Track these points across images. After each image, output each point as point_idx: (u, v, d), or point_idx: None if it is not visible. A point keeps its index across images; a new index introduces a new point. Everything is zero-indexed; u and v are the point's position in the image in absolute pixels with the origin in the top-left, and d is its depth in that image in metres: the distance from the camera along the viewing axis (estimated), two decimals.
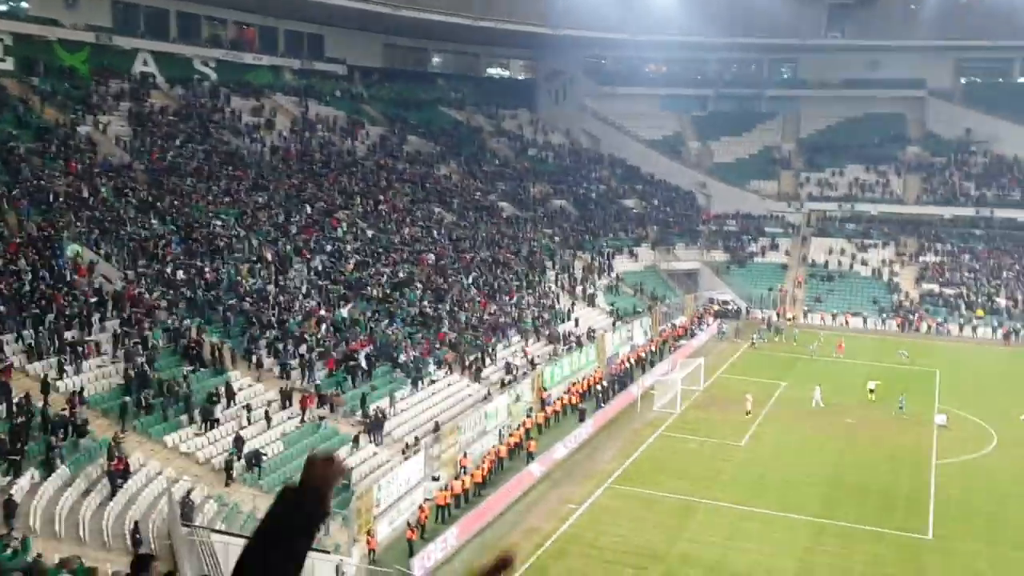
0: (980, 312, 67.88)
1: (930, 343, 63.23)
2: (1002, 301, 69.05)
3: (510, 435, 37.54)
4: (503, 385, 41.67)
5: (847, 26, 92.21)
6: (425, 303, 45.79)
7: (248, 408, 32.33)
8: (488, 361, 43.65)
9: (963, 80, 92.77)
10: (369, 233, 51.81)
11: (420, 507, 30.12)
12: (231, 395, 32.49)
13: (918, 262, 75.83)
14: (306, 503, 2.55)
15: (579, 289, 59.82)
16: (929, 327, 67.24)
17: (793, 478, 35.42)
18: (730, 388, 49.11)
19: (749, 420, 42.65)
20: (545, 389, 43.48)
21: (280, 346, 36.19)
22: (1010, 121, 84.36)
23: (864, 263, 75.97)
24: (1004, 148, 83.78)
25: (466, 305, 47.83)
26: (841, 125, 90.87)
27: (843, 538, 29.84)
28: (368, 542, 27.40)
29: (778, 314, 69.62)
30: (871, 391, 46.72)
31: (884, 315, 69.42)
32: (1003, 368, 56.12)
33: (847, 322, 68.52)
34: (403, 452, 33.11)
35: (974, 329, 66.58)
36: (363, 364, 37.39)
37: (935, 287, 72.01)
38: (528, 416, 40.12)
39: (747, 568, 27.49)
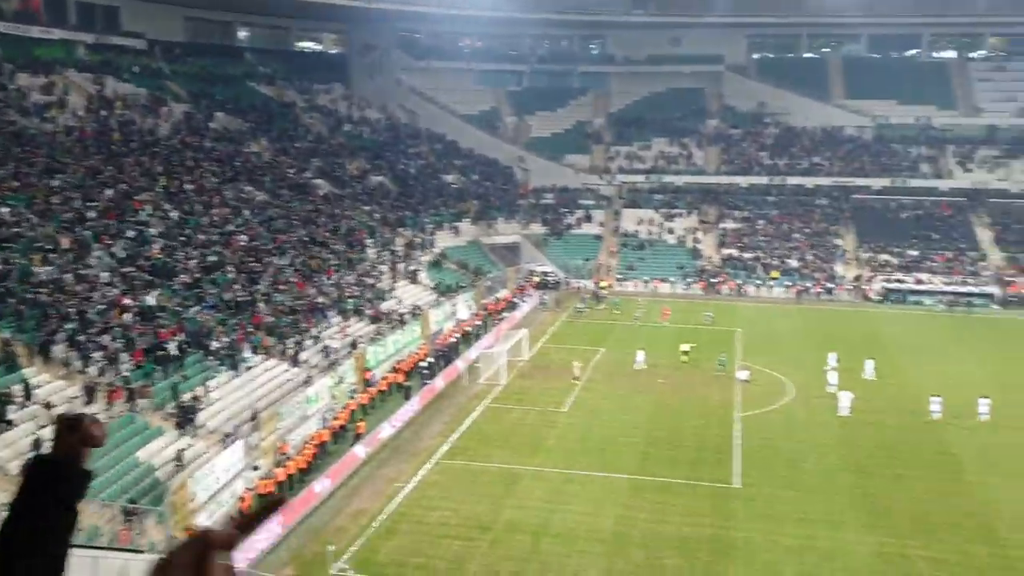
0: (775, 273, 72.97)
1: (732, 304, 67.38)
2: (794, 262, 74.54)
3: (334, 418, 36.96)
4: (326, 368, 40.90)
5: (650, 4, 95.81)
6: (238, 287, 44.11)
7: (48, 406, 30.10)
8: (307, 344, 42.66)
9: (756, 55, 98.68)
10: (175, 215, 49.24)
11: (241, 498, 29.20)
12: (28, 394, 30.16)
13: (719, 229, 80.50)
14: (61, 474, 2.24)
15: (401, 266, 59.46)
16: (730, 289, 71.68)
17: (612, 439, 36.88)
18: (552, 357, 50.46)
19: (570, 387, 43.98)
20: (368, 369, 43.05)
21: (81, 338, 33.88)
22: (798, 94, 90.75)
23: (671, 231, 79.88)
24: (793, 120, 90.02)
25: (282, 287, 46.46)
26: (647, 100, 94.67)
27: (659, 492, 31.40)
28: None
29: (595, 283, 72.03)
30: (685, 353, 49.22)
31: (689, 280, 73.34)
32: (796, 324, 60.64)
33: (657, 288, 71.90)
34: (221, 442, 31.89)
35: (770, 289, 71.58)
36: (173, 353, 35.64)
37: (734, 252, 76.78)
38: (352, 398, 39.63)
39: (570, 528, 28.43)
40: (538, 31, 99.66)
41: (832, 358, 46.96)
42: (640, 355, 47.89)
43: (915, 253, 74.59)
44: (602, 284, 71.09)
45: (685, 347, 49.58)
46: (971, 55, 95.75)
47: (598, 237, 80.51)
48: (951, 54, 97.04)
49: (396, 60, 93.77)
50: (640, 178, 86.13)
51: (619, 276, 74.38)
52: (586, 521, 28.95)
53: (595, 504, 30.31)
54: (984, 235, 77.10)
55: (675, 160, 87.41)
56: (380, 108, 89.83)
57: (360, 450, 34.39)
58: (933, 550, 27.04)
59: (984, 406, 39.17)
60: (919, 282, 70.67)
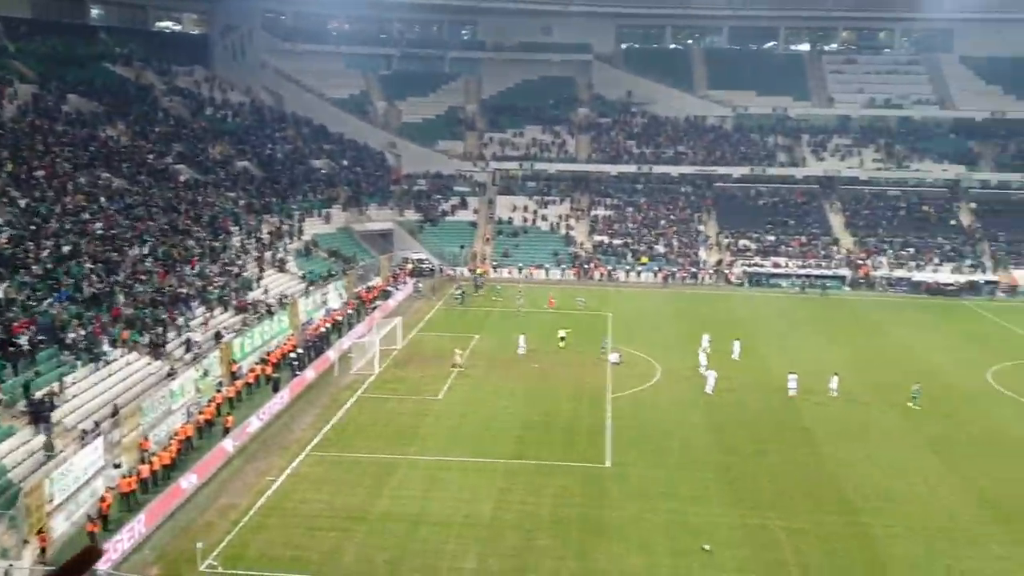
0: (644, 259, 74.98)
1: (603, 289, 68.84)
2: (661, 248, 76.77)
3: (200, 412, 35.70)
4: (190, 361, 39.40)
5: None
6: (95, 277, 41.91)
7: None
8: (170, 336, 40.99)
9: (623, 45, 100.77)
10: (23, 203, 46.30)
11: (102, 497, 27.85)
12: None
13: (590, 216, 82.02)
14: None
15: (268, 255, 57.88)
16: (602, 275, 73.21)
17: (488, 425, 37.10)
18: (427, 345, 50.29)
19: (446, 375, 43.93)
20: (235, 361, 41.77)
21: None
22: (664, 84, 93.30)
23: (544, 218, 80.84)
24: (659, 109, 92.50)
25: (142, 277, 44.43)
26: (519, 87, 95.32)
27: (534, 475, 31.79)
28: (40, 540, 24.87)
29: (470, 270, 72.16)
30: (561, 339, 49.95)
31: (563, 266, 74.47)
32: (663, 307, 62.53)
33: (531, 274, 72.68)
34: (80, 440, 30.27)
35: (639, 274, 73.51)
36: (24, 347, 33.56)
37: (605, 238, 78.42)
38: (218, 391, 38.38)
39: (446, 515, 28.44)
40: (408, 15, 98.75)
41: (706, 339, 48.79)
42: (522, 340, 48.50)
43: (772, 238, 78.08)
44: (478, 271, 71.29)
45: (562, 332, 50.37)
46: (824, 48, 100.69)
47: (473, 224, 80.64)
48: (806, 47, 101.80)
49: (261, 42, 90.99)
50: (514, 165, 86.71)
51: (494, 263, 74.76)
52: (462, 507, 29.03)
53: (471, 490, 30.42)
54: (836, 220, 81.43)
55: (548, 148, 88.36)
56: (244, 91, 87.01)
57: (228, 444, 33.35)
58: (792, 521, 28.43)
59: (834, 382, 41.48)
60: (776, 266, 74.07)
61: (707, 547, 26.46)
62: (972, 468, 33.17)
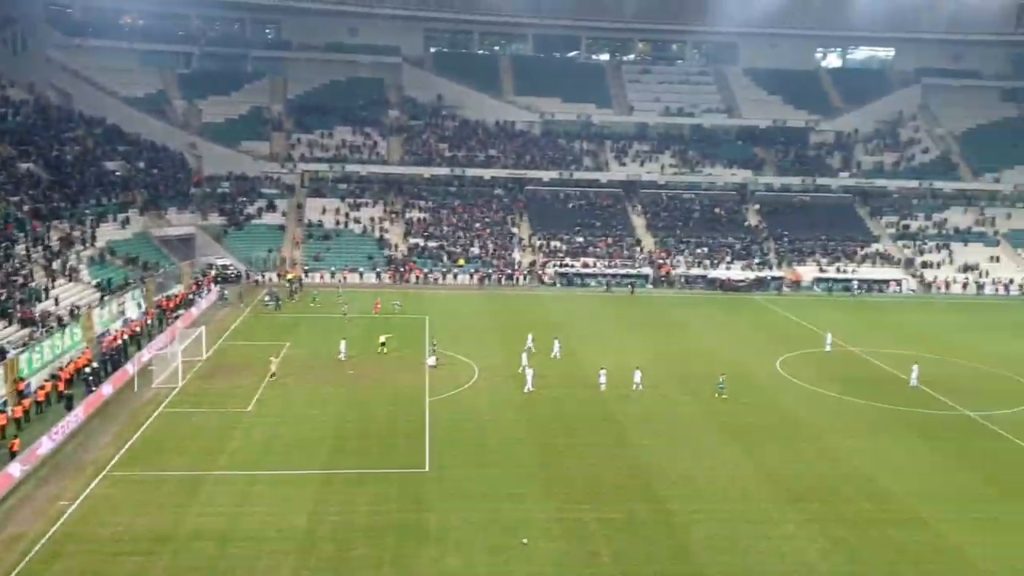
0: (462, 261, 75.59)
1: (420, 292, 68.82)
2: (476, 250, 77.66)
3: None
4: None
5: None
6: None
7: None
8: None
9: (433, 49, 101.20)
10: None
11: None
12: None
13: (405, 219, 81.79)
14: None
15: (57, 263, 53.80)
16: (418, 277, 73.15)
17: (301, 435, 36.10)
18: (235, 355, 48.38)
19: (256, 385, 42.41)
20: (22, 379, 38.54)
21: None
22: (473, 88, 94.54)
23: (357, 221, 79.88)
24: (469, 113, 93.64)
25: None
26: (327, 88, 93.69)
27: (350, 484, 31.21)
28: None
29: (279, 275, 70.12)
30: (382, 344, 49.40)
31: (378, 269, 73.81)
32: (480, 309, 63.30)
33: (345, 279, 71.55)
34: None
35: (455, 276, 74.03)
36: None
37: (420, 241, 78.43)
38: (3, 411, 35.26)
39: (258, 530, 27.42)
40: (208, 12, 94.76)
41: (530, 339, 49.90)
42: (343, 345, 47.77)
43: (581, 240, 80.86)
44: (288, 276, 69.34)
45: (383, 338, 49.85)
46: (623, 58, 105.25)
47: (282, 227, 78.46)
48: (606, 57, 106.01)
49: (44, 36, 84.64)
50: (324, 167, 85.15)
51: (306, 267, 72.99)
52: (275, 522, 28.08)
53: (284, 503, 29.48)
54: (638, 222, 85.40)
55: (359, 149, 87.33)
56: (27, 88, 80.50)
57: (15, 468, 30.66)
58: (603, 511, 29.45)
59: (637, 376, 43.44)
60: (586, 266, 76.72)
61: (525, 541, 26.96)
62: (766, 452, 35.61)
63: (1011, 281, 78.76)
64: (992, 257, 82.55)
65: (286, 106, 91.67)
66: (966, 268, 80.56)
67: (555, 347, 49.64)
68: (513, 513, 29.19)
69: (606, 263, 77.22)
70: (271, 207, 79.47)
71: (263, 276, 70.68)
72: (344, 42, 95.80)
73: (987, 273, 79.98)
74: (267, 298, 62.65)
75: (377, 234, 78.78)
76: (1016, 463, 35.53)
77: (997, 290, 78.03)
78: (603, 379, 43.34)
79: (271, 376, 43.60)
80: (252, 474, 31.89)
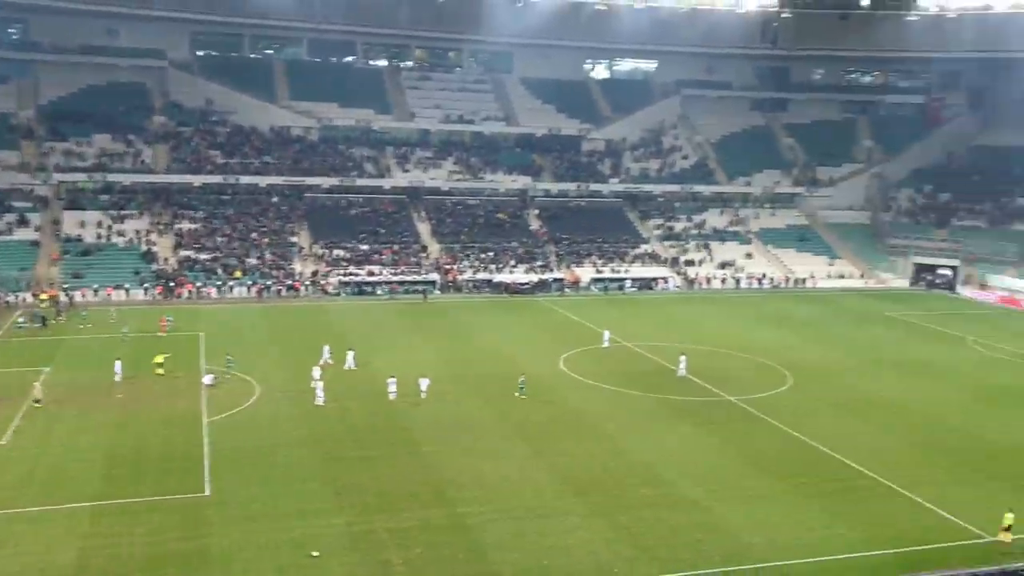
0: (238, 273, 72.59)
1: (194, 307, 65.47)
2: (253, 261, 74.92)
3: None
4: None
5: None
6: None
7: None
8: None
9: (200, 53, 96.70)
10: None
11: None
12: None
13: (174, 230, 77.55)
14: None
15: None
16: (190, 292, 69.52)
17: (67, 466, 33.29)
18: None
19: (10, 416, 38.63)
20: None
21: None
22: (245, 94, 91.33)
23: (121, 234, 74.95)
24: (242, 119, 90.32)
25: None
26: (84, 92, 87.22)
27: (124, 515, 29.12)
28: None
29: (34, 295, 64.42)
30: (159, 365, 46.37)
31: (146, 285, 69.48)
32: (259, 323, 61.07)
33: (109, 296, 66.83)
34: None
35: (231, 289, 71.00)
36: None
37: (192, 253, 74.62)
38: None
39: (19, 573, 25.00)
40: None
41: (326, 351, 48.89)
42: (118, 366, 44.86)
43: (366, 247, 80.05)
44: (42, 297, 63.69)
45: (160, 358, 46.85)
46: (401, 65, 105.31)
47: (35, 243, 72.15)
48: (384, 62, 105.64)
49: None
50: (82, 177, 79.04)
51: (65, 286, 67.35)
52: (37, 562, 25.69)
53: (48, 541, 27.03)
54: (423, 228, 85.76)
55: (121, 157, 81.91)
56: None
57: None
58: (396, 521, 29.26)
59: (423, 384, 43.52)
60: (371, 274, 76.01)
61: (315, 554, 26.34)
62: (554, 448, 36.77)
63: (763, 276, 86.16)
64: (747, 254, 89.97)
65: (37, 112, 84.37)
66: (724, 265, 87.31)
67: (349, 358, 48.65)
68: (302, 530, 28.40)
69: (392, 271, 76.90)
70: (22, 222, 72.90)
71: (16, 296, 64.59)
72: (103, 44, 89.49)
73: (742, 269, 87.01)
74: (21, 319, 57.36)
75: (144, 247, 74.15)
76: (772, 442, 38.83)
77: (751, 284, 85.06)
78: (393, 388, 43.05)
79: (35, 402, 39.90)
80: (8, 512, 29.02)
